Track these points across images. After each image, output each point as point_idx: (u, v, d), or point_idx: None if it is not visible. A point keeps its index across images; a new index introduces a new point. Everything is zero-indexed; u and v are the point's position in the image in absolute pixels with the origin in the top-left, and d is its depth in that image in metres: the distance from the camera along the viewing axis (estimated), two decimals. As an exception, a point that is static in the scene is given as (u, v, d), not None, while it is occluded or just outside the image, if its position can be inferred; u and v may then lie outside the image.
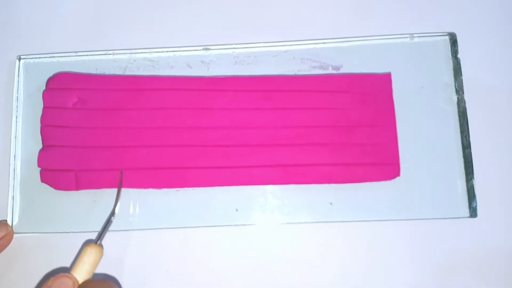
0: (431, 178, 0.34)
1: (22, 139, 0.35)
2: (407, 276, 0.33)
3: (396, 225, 0.33)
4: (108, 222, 0.31)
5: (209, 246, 0.34)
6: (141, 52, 0.36)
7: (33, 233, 0.34)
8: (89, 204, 0.34)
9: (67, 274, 0.28)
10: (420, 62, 0.35)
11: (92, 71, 0.36)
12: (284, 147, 0.34)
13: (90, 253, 0.29)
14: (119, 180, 0.33)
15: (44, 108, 0.34)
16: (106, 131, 0.34)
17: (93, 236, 0.34)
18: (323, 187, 0.34)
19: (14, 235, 0.34)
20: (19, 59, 0.36)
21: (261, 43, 0.36)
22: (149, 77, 0.35)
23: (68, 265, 0.34)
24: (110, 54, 0.36)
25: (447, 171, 0.34)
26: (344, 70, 0.36)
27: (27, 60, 0.36)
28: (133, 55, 0.36)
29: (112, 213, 0.32)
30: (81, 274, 0.28)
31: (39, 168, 0.34)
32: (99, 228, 0.33)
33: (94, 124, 0.34)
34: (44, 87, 0.35)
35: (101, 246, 0.30)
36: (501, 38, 0.37)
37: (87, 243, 0.30)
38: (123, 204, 0.34)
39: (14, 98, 0.35)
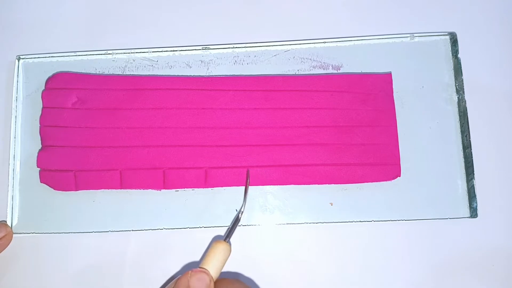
0: (432, 178, 0.34)
1: (22, 139, 0.35)
2: (407, 276, 0.33)
3: (396, 226, 0.33)
4: (236, 220, 0.31)
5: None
6: (140, 52, 0.36)
7: (32, 233, 0.34)
8: (88, 205, 0.34)
9: (204, 269, 0.27)
10: (420, 61, 0.35)
11: (91, 71, 0.36)
12: (284, 147, 0.34)
13: (223, 250, 0.28)
14: (246, 178, 0.32)
15: (43, 108, 0.34)
16: (105, 131, 0.34)
17: (93, 236, 0.33)
18: (323, 187, 0.34)
19: (14, 236, 0.34)
20: (19, 59, 0.36)
21: (261, 43, 0.36)
22: (149, 77, 0.35)
23: (68, 265, 0.34)
24: (109, 54, 0.36)
25: (448, 171, 0.34)
26: (344, 70, 0.36)
27: (27, 60, 0.36)
28: (132, 54, 0.36)
29: (241, 211, 0.31)
30: (213, 270, 0.28)
31: (39, 169, 0.34)
32: (98, 228, 0.33)
33: (93, 124, 0.34)
34: (43, 87, 0.35)
35: (229, 243, 0.29)
36: (501, 38, 0.37)
37: (216, 239, 0.30)
38: (122, 204, 0.34)
39: (14, 98, 0.35)
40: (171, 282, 0.28)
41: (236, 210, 0.34)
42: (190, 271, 0.27)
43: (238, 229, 0.33)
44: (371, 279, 0.33)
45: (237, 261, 0.33)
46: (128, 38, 0.37)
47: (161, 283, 0.33)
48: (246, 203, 0.32)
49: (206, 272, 0.27)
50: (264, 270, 0.33)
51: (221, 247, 0.29)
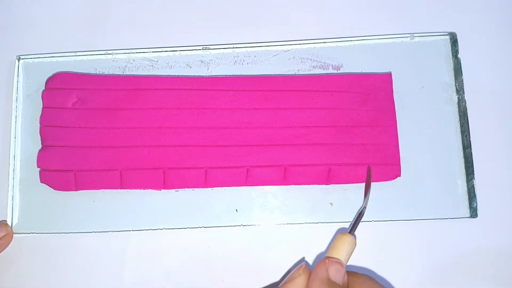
0: (432, 178, 0.34)
1: (22, 139, 0.35)
2: (407, 276, 0.33)
3: (396, 226, 0.33)
4: (360, 214, 0.30)
5: (209, 246, 0.34)
6: (140, 52, 0.36)
7: (32, 233, 0.34)
8: (88, 205, 0.34)
9: (340, 260, 0.26)
10: (420, 62, 0.35)
11: (91, 71, 0.36)
12: (284, 147, 0.34)
13: (350, 243, 0.27)
14: (368, 173, 0.31)
15: (44, 108, 0.34)
16: (105, 131, 0.34)
17: (93, 236, 0.34)
18: (323, 187, 0.34)
19: (14, 235, 0.34)
20: (19, 59, 0.36)
21: (261, 43, 0.36)
22: (149, 77, 0.35)
23: (68, 265, 0.34)
24: (109, 54, 0.36)
25: (448, 171, 0.34)
26: (344, 70, 0.36)
27: (27, 60, 0.36)
28: (132, 54, 0.36)
29: (364, 206, 0.30)
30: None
31: (39, 169, 0.34)
32: (98, 228, 0.33)
33: (93, 124, 0.34)
34: (43, 87, 0.35)
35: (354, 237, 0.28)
36: (501, 37, 0.37)
37: (340, 231, 0.29)
38: (122, 204, 0.34)
39: (14, 98, 0.35)
40: (297, 269, 0.27)
41: (237, 210, 0.34)
42: (326, 260, 0.26)
43: (237, 229, 0.34)
44: (371, 279, 0.33)
45: (237, 260, 0.33)
46: (128, 38, 0.37)
47: (161, 283, 0.33)
48: (368, 198, 0.31)
49: (342, 264, 0.26)
50: (264, 269, 0.33)
51: (348, 239, 0.27)
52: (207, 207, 0.34)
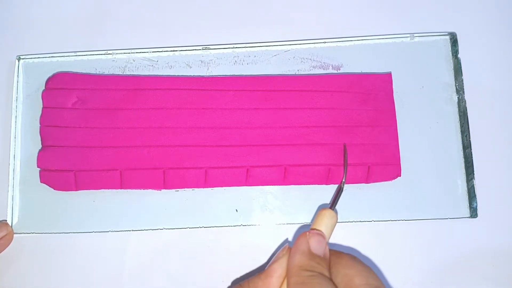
0: (432, 178, 0.34)
1: (22, 139, 0.35)
2: (407, 276, 0.33)
3: (396, 226, 0.33)
4: (340, 190, 0.31)
5: (209, 247, 0.34)
6: (140, 52, 0.36)
7: (32, 233, 0.34)
8: (88, 205, 0.34)
9: (321, 232, 0.26)
10: (420, 62, 0.35)
11: (92, 71, 0.36)
12: (284, 147, 0.33)
13: (330, 217, 0.27)
14: (344, 150, 0.32)
15: (43, 108, 0.34)
16: (105, 131, 0.34)
17: (93, 236, 0.34)
18: (323, 187, 0.34)
19: (14, 235, 0.34)
20: (19, 59, 0.36)
21: (261, 43, 0.36)
22: (149, 77, 0.35)
23: (68, 265, 0.34)
24: (109, 54, 0.36)
25: (448, 171, 0.34)
26: (344, 70, 0.36)
27: (27, 60, 0.36)
28: (132, 55, 0.36)
29: (343, 181, 0.31)
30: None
31: (39, 169, 0.34)
32: (98, 228, 0.33)
33: (93, 124, 0.34)
34: (43, 87, 0.35)
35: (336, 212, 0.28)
36: (501, 37, 0.37)
37: (322, 208, 0.29)
38: (122, 204, 0.34)
39: (14, 98, 0.35)
40: (281, 250, 0.27)
41: (237, 210, 0.34)
42: (307, 232, 0.26)
43: (237, 229, 0.34)
44: (371, 279, 0.33)
45: (237, 261, 0.33)
46: (128, 38, 0.37)
47: (161, 283, 0.33)
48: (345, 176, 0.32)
49: (323, 235, 0.26)
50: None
51: (328, 214, 0.27)
52: (207, 207, 0.34)
